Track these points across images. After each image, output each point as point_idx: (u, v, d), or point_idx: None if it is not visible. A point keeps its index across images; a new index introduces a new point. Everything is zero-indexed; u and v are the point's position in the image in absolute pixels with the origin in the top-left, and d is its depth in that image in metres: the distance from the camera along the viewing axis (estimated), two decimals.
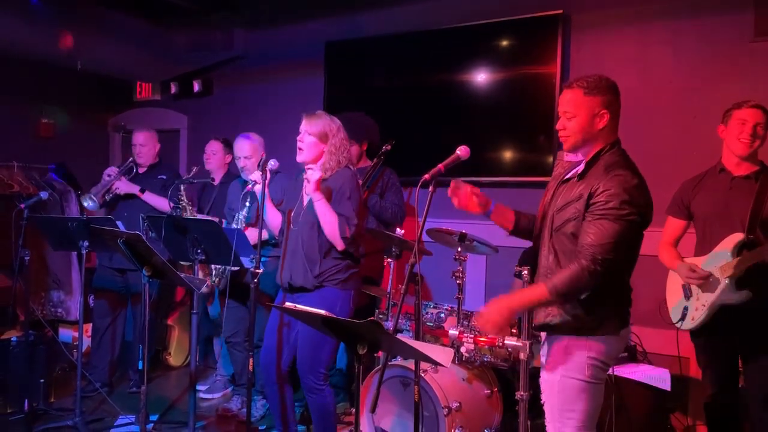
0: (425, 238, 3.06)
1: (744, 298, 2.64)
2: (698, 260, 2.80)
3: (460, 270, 3.15)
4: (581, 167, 2.14)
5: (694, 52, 3.70)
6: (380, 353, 3.07)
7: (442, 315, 3.31)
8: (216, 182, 4.35)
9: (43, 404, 3.85)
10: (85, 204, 4.17)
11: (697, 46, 3.69)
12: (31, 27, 4.56)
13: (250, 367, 2.96)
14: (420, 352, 1.83)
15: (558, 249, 2.11)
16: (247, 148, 3.83)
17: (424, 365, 2.97)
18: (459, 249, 3.14)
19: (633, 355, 3.42)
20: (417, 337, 2.74)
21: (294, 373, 2.98)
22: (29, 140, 5.57)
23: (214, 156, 4.37)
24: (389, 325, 2.95)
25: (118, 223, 3.45)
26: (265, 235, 3.05)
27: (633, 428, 3.06)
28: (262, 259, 3.14)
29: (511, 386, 3.22)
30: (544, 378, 2.19)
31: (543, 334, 2.27)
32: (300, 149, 2.92)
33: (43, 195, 4.23)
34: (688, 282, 2.79)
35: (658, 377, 3.15)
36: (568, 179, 2.19)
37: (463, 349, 2.97)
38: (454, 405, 2.98)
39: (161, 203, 4.17)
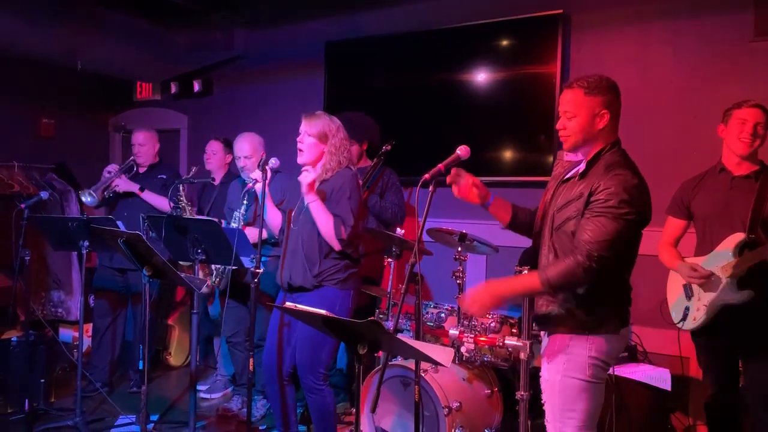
0: (425, 237, 3.06)
1: (746, 298, 2.64)
2: (699, 260, 2.80)
3: (460, 270, 3.15)
4: (582, 167, 2.14)
5: (694, 52, 3.70)
6: (380, 353, 3.07)
7: (443, 315, 3.31)
8: (216, 182, 4.35)
9: (44, 404, 3.85)
10: (84, 199, 4.16)
11: (697, 46, 3.69)
12: (31, 27, 4.56)
13: (251, 367, 2.96)
14: (420, 351, 1.83)
15: (558, 248, 2.11)
16: (247, 147, 3.83)
17: (424, 365, 2.97)
18: (459, 249, 3.14)
19: (633, 355, 3.42)
20: (417, 337, 2.75)
21: (295, 374, 2.98)
22: (29, 140, 5.56)
23: (214, 156, 4.37)
24: (389, 324, 2.94)
25: (119, 222, 3.45)
26: (264, 235, 3.05)
27: (633, 428, 3.06)
28: (262, 258, 3.14)
29: (511, 386, 3.22)
30: (545, 378, 2.18)
31: (543, 334, 2.28)
32: (300, 150, 2.92)
33: (44, 195, 4.21)
34: (690, 281, 2.79)
35: (659, 377, 3.15)
36: (569, 179, 2.20)
37: (463, 349, 2.97)
38: (455, 405, 2.98)
39: (161, 202, 4.17)
